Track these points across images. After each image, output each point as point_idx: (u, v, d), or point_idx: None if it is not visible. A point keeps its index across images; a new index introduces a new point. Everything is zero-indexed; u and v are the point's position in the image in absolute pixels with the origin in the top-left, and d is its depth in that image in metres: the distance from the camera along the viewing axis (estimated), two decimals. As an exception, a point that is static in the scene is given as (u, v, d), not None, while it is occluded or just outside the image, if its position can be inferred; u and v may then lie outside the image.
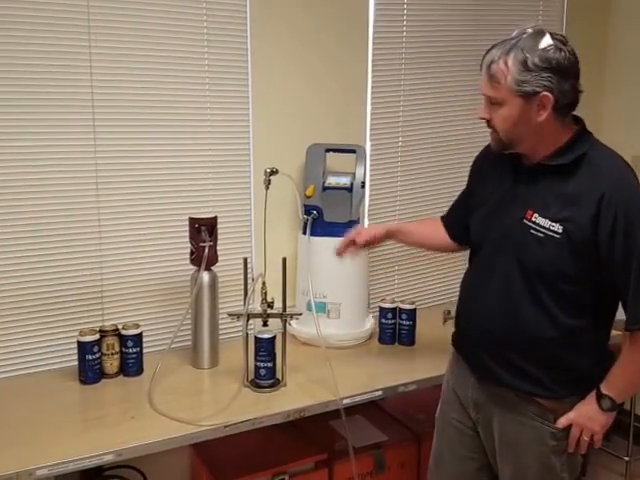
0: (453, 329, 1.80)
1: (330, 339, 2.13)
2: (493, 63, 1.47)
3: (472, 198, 1.74)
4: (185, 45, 2.18)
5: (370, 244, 1.93)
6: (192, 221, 2.05)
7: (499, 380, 1.62)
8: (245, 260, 1.97)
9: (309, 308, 2.13)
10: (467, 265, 1.76)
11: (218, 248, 2.08)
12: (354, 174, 2.35)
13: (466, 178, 1.84)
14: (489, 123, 1.56)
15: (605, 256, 1.47)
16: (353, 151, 2.38)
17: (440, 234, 1.91)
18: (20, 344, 2.06)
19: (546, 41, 1.44)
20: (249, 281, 1.98)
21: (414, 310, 2.32)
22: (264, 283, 1.94)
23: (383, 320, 2.34)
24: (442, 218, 1.93)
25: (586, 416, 1.57)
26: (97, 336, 1.98)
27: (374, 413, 2.42)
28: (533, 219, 1.53)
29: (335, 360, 1.95)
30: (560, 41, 1.46)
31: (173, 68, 2.17)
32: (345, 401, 1.90)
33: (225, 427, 1.75)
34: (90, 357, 1.95)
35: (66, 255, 2.10)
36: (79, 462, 1.59)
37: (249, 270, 1.99)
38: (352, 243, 1.89)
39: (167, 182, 2.22)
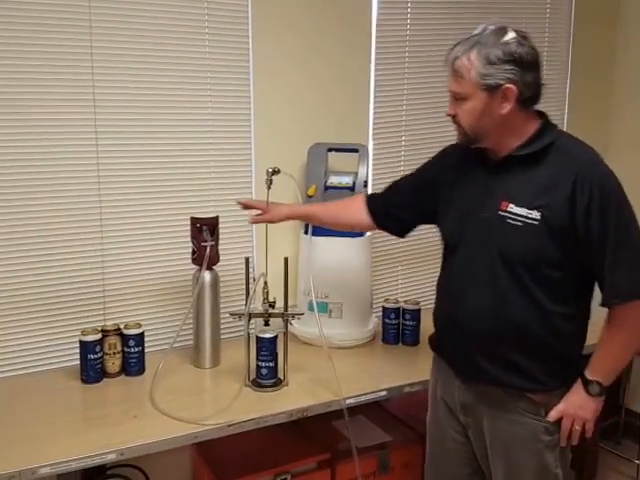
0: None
1: (332, 339, 2.13)
2: (457, 59, 1.50)
3: (440, 202, 1.73)
4: (187, 45, 2.18)
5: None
6: (194, 221, 2.04)
7: (489, 377, 1.60)
8: (247, 260, 1.97)
9: (311, 308, 2.12)
10: (443, 264, 1.75)
11: (220, 248, 2.08)
12: (356, 173, 2.34)
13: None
14: (454, 119, 1.58)
15: (583, 235, 1.48)
16: (355, 150, 2.37)
17: (357, 217, 1.91)
18: (22, 344, 2.07)
19: (508, 35, 1.47)
20: (251, 281, 1.97)
21: (418, 310, 2.31)
22: (266, 283, 1.93)
23: (387, 320, 2.33)
24: (367, 202, 1.90)
25: (576, 405, 1.57)
26: (99, 335, 1.98)
27: (377, 413, 2.41)
28: (509, 209, 1.53)
29: (337, 360, 1.94)
30: (522, 36, 1.49)
31: (174, 68, 2.17)
32: (349, 401, 1.89)
33: (229, 426, 1.74)
34: (92, 356, 1.95)
35: (68, 254, 2.10)
36: (81, 461, 1.58)
37: (251, 270, 1.99)
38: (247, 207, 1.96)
39: (169, 182, 2.22)
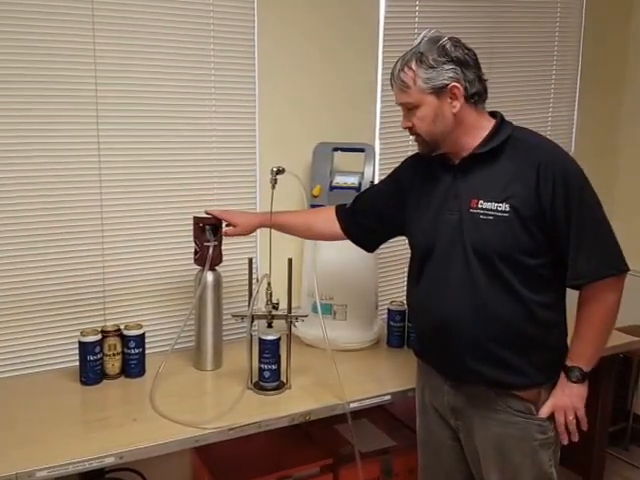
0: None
1: (336, 341, 2.10)
2: (400, 72, 1.58)
3: (407, 211, 1.76)
4: (191, 42, 2.16)
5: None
6: (196, 220, 2.01)
7: (478, 377, 1.60)
8: (250, 260, 1.94)
9: (315, 310, 2.10)
10: (416, 274, 1.73)
11: (223, 248, 2.05)
12: (362, 173, 2.32)
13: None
14: (412, 130, 1.63)
15: (550, 221, 1.52)
16: (362, 150, 2.35)
17: (328, 227, 1.93)
18: (21, 344, 2.05)
19: (442, 41, 1.55)
20: (254, 282, 1.95)
21: (423, 313, 2.28)
22: (269, 284, 1.91)
23: (392, 323, 2.31)
24: (337, 212, 1.93)
25: (563, 396, 1.60)
26: (99, 336, 1.95)
27: (381, 417, 2.39)
28: (479, 206, 1.57)
29: (341, 363, 1.91)
30: (455, 40, 1.57)
31: (178, 65, 2.16)
32: (352, 405, 1.86)
33: (230, 430, 1.71)
34: (91, 358, 1.93)
35: (68, 254, 2.08)
36: (79, 464, 1.56)
37: (254, 270, 1.96)
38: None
39: (171, 181, 2.20)
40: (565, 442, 1.63)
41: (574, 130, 3.04)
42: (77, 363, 1.96)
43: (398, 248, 2.57)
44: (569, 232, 1.52)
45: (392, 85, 1.63)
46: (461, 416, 1.68)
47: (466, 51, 1.56)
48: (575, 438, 1.63)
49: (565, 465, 1.77)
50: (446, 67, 1.53)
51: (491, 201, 1.54)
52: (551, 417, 1.60)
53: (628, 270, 1.56)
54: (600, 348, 1.61)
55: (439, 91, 1.54)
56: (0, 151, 1.95)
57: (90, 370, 1.93)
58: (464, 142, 1.60)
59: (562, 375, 1.60)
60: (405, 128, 1.64)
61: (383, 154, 2.54)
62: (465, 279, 1.58)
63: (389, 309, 2.32)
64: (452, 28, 2.57)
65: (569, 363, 1.59)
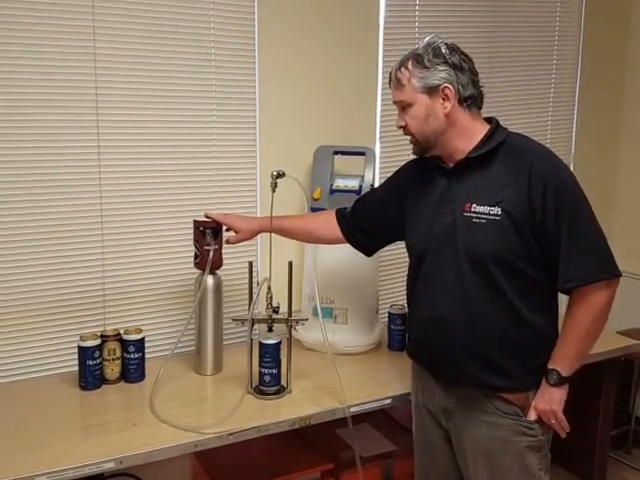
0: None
1: (337, 345, 2.09)
2: (397, 71, 1.63)
3: (406, 216, 1.77)
4: (192, 46, 2.16)
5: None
6: (197, 224, 2.01)
7: (469, 379, 1.61)
8: (250, 264, 1.94)
9: (315, 313, 2.09)
10: (412, 276, 1.75)
11: (223, 251, 2.05)
12: (363, 177, 2.31)
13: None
14: (405, 130, 1.66)
15: (540, 226, 1.53)
16: (362, 153, 2.34)
17: (329, 232, 1.95)
18: (20, 348, 2.04)
19: (438, 43, 1.59)
20: (254, 285, 1.94)
21: (424, 316, 2.27)
22: (269, 287, 1.90)
23: (392, 326, 2.31)
24: (338, 216, 1.95)
25: (544, 399, 1.60)
26: (98, 341, 1.95)
27: (382, 421, 2.38)
28: (472, 209, 1.58)
29: (342, 367, 1.91)
30: (453, 47, 1.61)
31: (179, 69, 2.15)
32: (353, 409, 1.86)
33: (229, 435, 1.71)
34: (91, 362, 1.92)
35: (68, 258, 2.07)
36: (79, 470, 1.55)
37: (254, 274, 1.96)
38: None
39: (172, 184, 2.20)
40: (563, 436, 1.64)
41: (574, 131, 3.03)
42: (76, 368, 1.95)
43: (399, 251, 2.55)
44: (560, 236, 1.52)
45: (390, 85, 1.67)
46: (452, 417, 1.70)
47: (462, 57, 1.59)
48: (562, 435, 1.64)
49: (567, 468, 1.76)
50: (440, 68, 1.56)
51: (484, 205, 1.56)
52: (539, 420, 1.61)
53: (619, 275, 1.55)
54: (582, 354, 1.61)
55: (431, 91, 1.57)
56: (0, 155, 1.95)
57: (89, 375, 1.93)
58: (457, 145, 1.62)
59: (543, 378, 1.61)
60: (399, 127, 1.67)
61: (383, 157, 2.54)
62: (457, 281, 1.60)
63: (390, 312, 2.32)
64: (452, 31, 2.59)
65: (549, 365, 1.60)
